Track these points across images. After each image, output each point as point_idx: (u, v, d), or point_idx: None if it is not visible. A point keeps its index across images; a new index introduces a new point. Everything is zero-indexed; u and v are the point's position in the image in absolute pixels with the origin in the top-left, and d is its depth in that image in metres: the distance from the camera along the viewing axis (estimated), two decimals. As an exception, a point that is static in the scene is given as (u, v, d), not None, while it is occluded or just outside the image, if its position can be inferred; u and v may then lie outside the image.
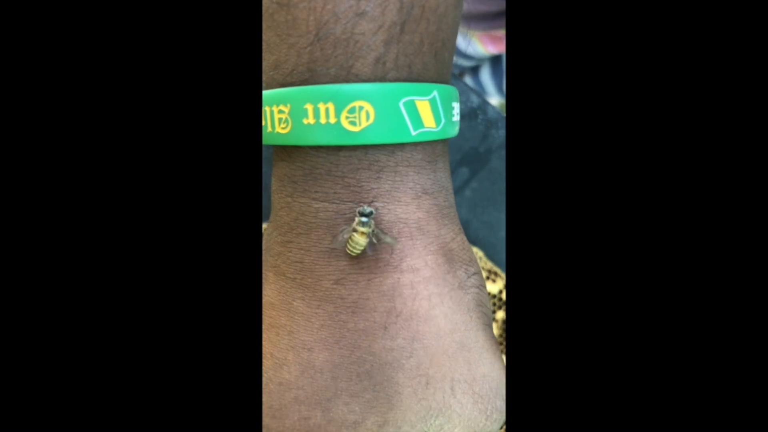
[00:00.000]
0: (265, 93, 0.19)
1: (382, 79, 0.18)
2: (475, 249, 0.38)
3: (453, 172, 0.35)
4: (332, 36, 0.17)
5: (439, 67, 0.19)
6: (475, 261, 0.21)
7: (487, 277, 0.37)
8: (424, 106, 0.18)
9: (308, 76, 0.18)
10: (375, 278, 0.19)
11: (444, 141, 0.20)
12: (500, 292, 0.37)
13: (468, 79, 0.61)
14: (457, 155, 0.38)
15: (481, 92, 0.54)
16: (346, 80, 0.17)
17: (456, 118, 0.20)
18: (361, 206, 0.18)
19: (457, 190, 0.38)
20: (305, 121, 0.18)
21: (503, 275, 0.37)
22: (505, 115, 0.38)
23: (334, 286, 0.19)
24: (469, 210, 0.38)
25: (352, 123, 0.17)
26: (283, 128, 0.18)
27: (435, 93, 0.18)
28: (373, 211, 0.18)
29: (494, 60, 0.50)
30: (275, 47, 0.18)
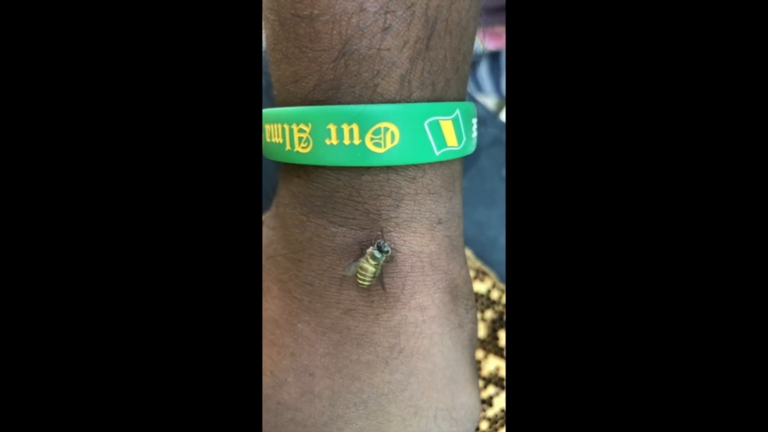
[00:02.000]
0: (284, 110, 0.18)
1: (407, 98, 0.17)
2: (464, 248, 0.38)
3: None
4: (357, 52, 0.16)
5: (460, 83, 0.19)
6: (473, 293, 0.22)
7: (476, 277, 0.38)
8: (447, 126, 0.18)
9: (331, 94, 0.17)
10: (383, 313, 0.19)
11: (462, 160, 0.20)
12: (488, 291, 0.37)
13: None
14: (447, 154, 0.37)
15: (474, 89, 0.54)
16: (371, 99, 0.17)
17: (474, 134, 0.20)
18: (380, 241, 0.18)
19: (447, 190, 0.37)
20: (328, 142, 0.17)
21: (491, 274, 0.38)
22: (494, 113, 0.38)
23: (343, 316, 0.19)
24: (458, 209, 0.38)
25: (377, 144, 0.17)
26: (303, 147, 0.17)
27: (457, 112, 0.18)
28: (390, 251, 0.18)
29: (492, 57, 0.50)
30: (295, 59, 0.17)
